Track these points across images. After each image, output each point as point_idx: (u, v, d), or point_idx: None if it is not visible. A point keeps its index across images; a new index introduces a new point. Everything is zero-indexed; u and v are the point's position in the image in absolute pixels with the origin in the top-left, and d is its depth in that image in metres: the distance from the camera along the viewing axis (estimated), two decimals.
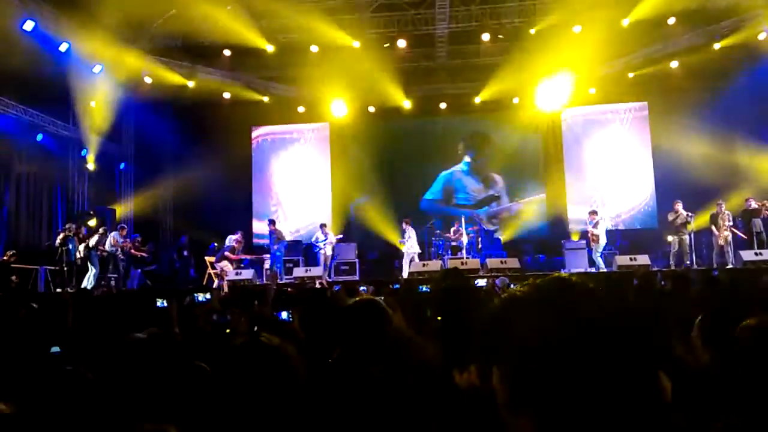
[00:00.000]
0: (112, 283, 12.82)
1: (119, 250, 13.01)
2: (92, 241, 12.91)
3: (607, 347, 0.74)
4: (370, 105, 17.55)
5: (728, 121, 14.30)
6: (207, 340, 3.70)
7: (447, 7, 14.33)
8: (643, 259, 12.45)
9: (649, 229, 16.19)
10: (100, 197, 15.76)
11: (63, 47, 13.29)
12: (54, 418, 1.92)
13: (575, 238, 15.05)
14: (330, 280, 13.00)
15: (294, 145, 18.50)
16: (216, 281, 13.01)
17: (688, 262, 12.50)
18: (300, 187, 18.05)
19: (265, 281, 13.03)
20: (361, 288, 9.34)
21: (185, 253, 15.33)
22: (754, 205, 12.65)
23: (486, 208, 17.29)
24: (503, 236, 16.34)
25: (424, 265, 13.00)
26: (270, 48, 15.40)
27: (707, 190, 13.71)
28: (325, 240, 14.23)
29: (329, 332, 2.75)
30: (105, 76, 14.83)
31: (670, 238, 13.20)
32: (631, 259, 12.49)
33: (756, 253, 11.95)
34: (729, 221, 12.61)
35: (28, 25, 12.17)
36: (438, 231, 15.01)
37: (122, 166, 16.61)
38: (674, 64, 15.21)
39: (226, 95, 16.82)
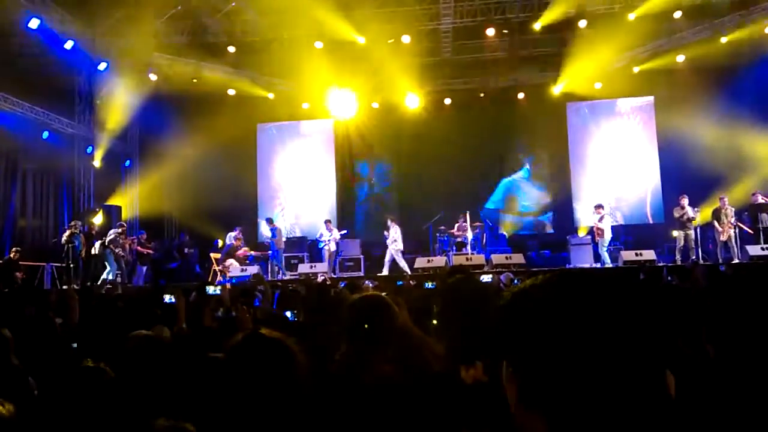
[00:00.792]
0: (118, 279, 12.88)
1: (119, 248, 13.05)
2: (107, 239, 13.03)
3: (616, 341, 0.74)
4: (374, 101, 17.55)
5: (734, 115, 14.22)
6: (214, 336, 3.71)
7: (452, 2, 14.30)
8: (649, 254, 12.42)
9: (654, 224, 16.14)
10: (106, 194, 15.82)
11: (68, 45, 13.32)
12: (70, 415, 1.93)
13: (582, 232, 14.98)
14: (335, 276, 13.01)
15: (299, 142, 18.50)
16: (219, 279, 13.04)
17: (693, 257, 12.45)
18: (305, 183, 18.06)
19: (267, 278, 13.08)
20: (366, 282, 9.36)
21: (186, 250, 15.37)
22: (760, 199, 12.59)
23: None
24: (508, 232, 16.32)
25: (429, 261, 13.00)
26: (275, 44, 15.39)
27: (713, 184, 13.65)
28: (329, 236, 14.25)
29: (334, 328, 2.75)
30: (110, 73, 14.87)
31: (675, 233, 13.14)
32: (636, 254, 12.46)
33: (762, 248, 11.90)
34: (732, 217, 12.56)
35: (34, 23, 12.21)
36: (443, 227, 15.00)
37: (128, 163, 16.66)
38: (680, 58, 15.12)
39: (231, 92, 16.83)
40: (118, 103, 15.78)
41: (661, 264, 11.98)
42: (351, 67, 16.05)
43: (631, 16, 14.28)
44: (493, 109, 17.25)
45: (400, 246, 13.79)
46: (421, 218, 15.38)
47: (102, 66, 14.56)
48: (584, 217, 15.88)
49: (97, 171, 15.52)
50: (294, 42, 15.35)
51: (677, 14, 14.15)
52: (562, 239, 14.83)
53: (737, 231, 12.58)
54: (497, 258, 12.82)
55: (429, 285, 7.29)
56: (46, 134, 13.87)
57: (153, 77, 15.71)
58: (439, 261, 12.91)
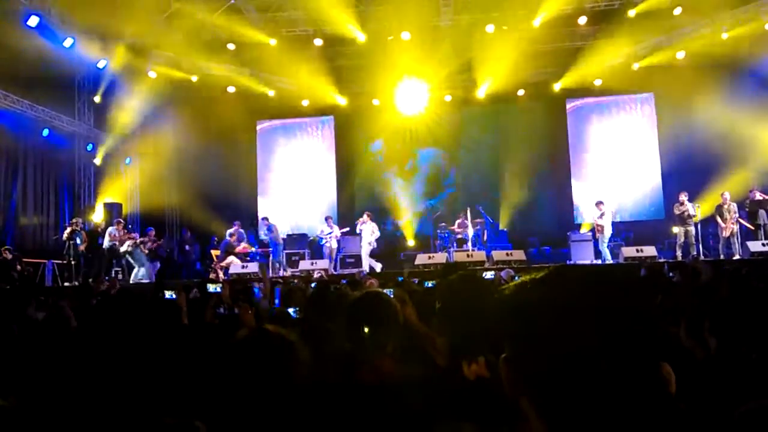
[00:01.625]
0: (120, 276, 12.89)
1: (118, 243, 13.05)
2: (139, 239, 13.32)
3: (613, 336, 0.75)
4: (374, 98, 17.55)
5: (735, 111, 14.20)
6: (215, 332, 3.73)
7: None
8: (650, 251, 12.43)
9: (655, 220, 16.14)
10: (106, 191, 15.82)
11: (68, 43, 13.30)
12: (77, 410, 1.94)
13: (586, 228, 14.96)
14: (336, 273, 13.02)
15: (299, 139, 18.51)
16: (213, 276, 13.01)
17: (694, 253, 12.46)
18: (305, 180, 18.07)
19: (270, 274, 13.09)
20: (362, 273, 9.37)
21: (187, 247, 15.39)
22: (758, 196, 12.59)
23: None
24: (509, 228, 16.33)
25: (429, 257, 13.01)
26: (273, 42, 15.39)
27: (714, 180, 13.64)
28: (330, 233, 14.26)
29: (336, 325, 2.75)
30: (110, 71, 14.86)
31: (676, 229, 13.15)
32: (637, 251, 12.47)
33: (763, 244, 11.91)
34: (735, 213, 12.56)
35: (33, 21, 12.19)
36: (443, 224, 15.02)
37: (128, 160, 16.65)
38: (681, 54, 15.10)
39: (231, 89, 16.81)
40: (118, 100, 15.78)
41: (662, 260, 11.99)
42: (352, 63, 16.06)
43: (632, 13, 14.26)
44: (492, 107, 17.28)
45: (369, 240, 13.82)
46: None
47: (102, 64, 14.54)
48: (585, 213, 15.90)
49: (97, 168, 15.53)
50: (294, 40, 15.36)
51: (677, 11, 14.12)
52: (562, 236, 14.83)
53: (739, 227, 12.59)
54: (498, 254, 12.83)
55: (429, 284, 7.25)
56: (46, 132, 13.87)
57: (153, 75, 15.70)
58: (440, 258, 12.92)
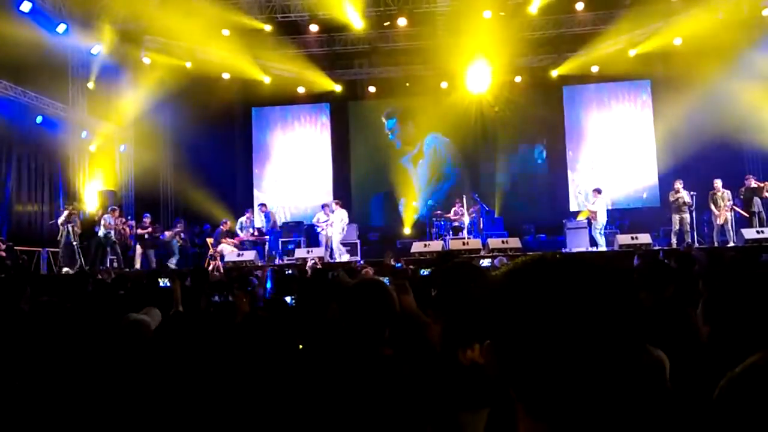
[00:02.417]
0: (115, 264, 12.87)
1: (113, 231, 13.02)
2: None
3: (586, 322, 0.74)
4: (371, 85, 17.52)
5: (732, 98, 14.19)
6: (210, 319, 3.73)
7: None
8: (645, 238, 12.45)
9: (651, 207, 16.18)
10: (101, 178, 15.75)
11: (61, 28, 13.18)
12: None
13: (583, 216, 14.96)
14: (331, 261, 13.03)
15: (294, 125, 18.44)
16: (211, 264, 13.01)
17: (689, 241, 12.51)
18: (301, 168, 18.04)
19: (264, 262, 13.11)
20: (359, 263, 9.39)
21: (183, 235, 15.35)
22: (753, 183, 12.62)
23: None
24: (504, 216, 16.35)
25: (425, 245, 13.01)
26: (268, 27, 15.28)
27: (710, 168, 13.66)
28: (326, 221, 14.23)
29: (333, 312, 2.76)
30: (103, 57, 14.74)
31: (671, 216, 13.19)
32: (632, 238, 12.49)
33: (757, 231, 11.96)
34: (729, 200, 12.59)
35: (26, 6, 12.07)
36: (439, 212, 15.02)
37: (122, 147, 16.57)
38: (678, 40, 15.05)
39: (226, 75, 16.71)
40: (112, 87, 15.67)
41: (656, 248, 12.03)
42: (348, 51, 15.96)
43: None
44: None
45: (336, 231, 13.79)
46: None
47: (95, 50, 14.42)
48: (580, 200, 15.91)
49: (92, 155, 15.44)
50: (289, 26, 15.27)
51: None
52: (558, 223, 14.86)
53: (733, 215, 12.62)
54: (494, 242, 12.84)
55: (425, 272, 7.26)
56: (40, 119, 13.77)
57: (147, 61, 15.58)
58: (435, 246, 12.92)
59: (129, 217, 14.57)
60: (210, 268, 12.16)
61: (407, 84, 17.08)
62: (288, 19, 15.28)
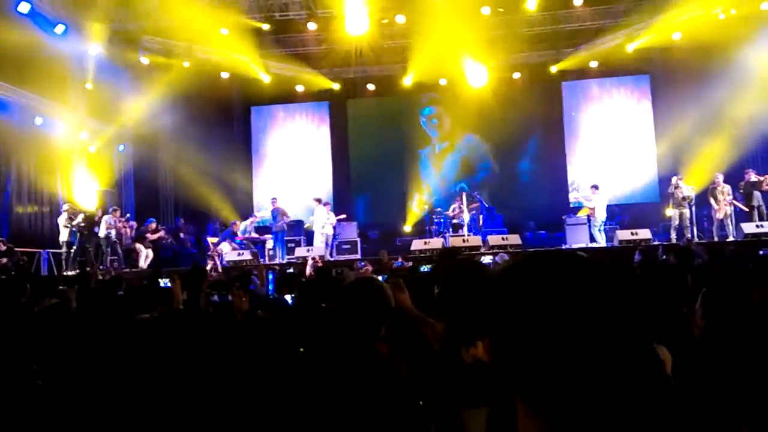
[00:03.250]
0: (115, 265, 12.87)
1: (113, 232, 13.02)
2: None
3: (585, 320, 0.74)
4: (370, 82, 17.51)
5: (731, 93, 14.18)
6: (210, 318, 3.73)
7: None
8: (645, 233, 12.46)
9: (650, 203, 16.18)
10: (101, 179, 15.73)
11: (59, 29, 13.17)
12: None
13: (584, 213, 14.96)
14: (332, 259, 13.03)
15: (294, 125, 18.43)
16: (210, 263, 12.99)
17: (689, 236, 12.51)
18: (301, 167, 18.03)
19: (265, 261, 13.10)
20: (360, 263, 9.40)
21: (182, 235, 15.35)
22: (753, 177, 12.61)
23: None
24: (504, 213, 16.35)
25: (425, 243, 13.02)
26: (266, 26, 15.25)
27: (710, 163, 13.66)
28: (326, 219, 14.22)
29: (333, 311, 2.76)
30: (102, 57, 14.73)
31: (670, 212, 13.19)
32: (632, 234, 12.50)
33: (757, 225, 11.96)
34: (729, 195, 12.59)
35: (24, 7, 12.05)
36: (438, 209, 15.02)
37: (121, 147, 16.56)
38: (676, 35, 15.03)
39: (225, 75, 16.69)
40: (111, 87, 15.64)
41: (656, 243, 12.03)
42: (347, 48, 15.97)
43: None
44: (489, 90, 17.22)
45: (329, 231, 13.76)
46: None
47: (93, 50, 14.41)
48: (577, 196, 15.93)
49: (91, 156, 15.43)
50: (287, 24, 15.25)
51: None
52: (558, 219, 14.86)
53: (733, 209, 12.62)
54: (494, 239, 12.85)
55: (425, 268, 7.28)
56: (39, 120, 13.76)
57: (145, 61, 15.57)
58: (435, 243, 12.93)
59: (129, 217, 14.55)
60: (208, 267, 12.16)
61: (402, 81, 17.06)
62: (286, 17, 15.25)
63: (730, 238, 12.12)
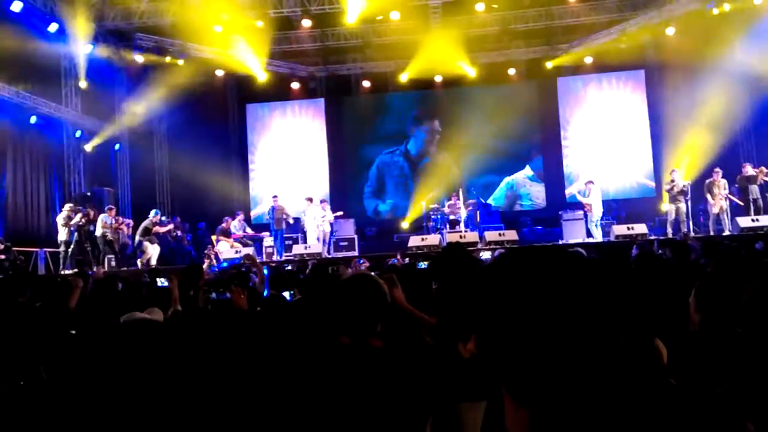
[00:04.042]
0: (113, 264, 12.85)
1: (110, 231, 12.99)
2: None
3: (566, 312, 0.75)
4: (365, 79, 17.50)
5: (725, 87, 14.21)
6: (208, 317, 3.74)
7: None
8: (641, 228, 12.49)
9: (646, 198, 16.23)
10: (97, 177, 15.71)
11: (52, 28, 13.12)
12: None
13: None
14: (329, 256, 13.04)
15: (289, 122, 18.40)
16: (205, 262, 12.96)
17: (685, 230, 12.54)
18: (297, 164, 18.01)
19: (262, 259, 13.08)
20: (359, 261, 9.40)
21: (179, 233, 15.33)
22: (750, 171, 12.65)
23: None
24: (501, 208, 16.37)
25: (422, 239, 13.03)
26: (260, 24, 15.22)
27: (705, 158, 13.70)
28: (323, 216, 14.21)
29: (330, 307, 2.77)
30: (95, 55, 14.70)
31: (666, 206, 13.22)
32: (628, 228, 12.53)
33: (753, 219, 12.00)
34: (725, 189, 12.63)
35: (16, 6, 12.02)
36: (435, 205, 15.03)
37: (117, 146, 16.53)
38: (670, 30, 15.07)
39: (219, 73, 16.67)
40: (106, 85, 15.61)
41: (652, 237, 12.06)
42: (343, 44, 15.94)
43: None
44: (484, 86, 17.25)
45: (323, 229, 13.76)
46: None
47: (87, 48, 14.37)
48: (576, 192, 15.91)
49: (86, 155, 15.40)
50: (281, 21, 15.22)
51: None
52: (554, 215, 14.89)
53: (728, 203, 12.66)
54: (490, 235, 12.86)
55: (422, 265, 7.28)
56: (34, 119, 13.72)
57: (139, 59, 15.53)
58: (432, 239, 12.95)
59: (126, 216, 14.54)
60: (204, 266, 12.15)
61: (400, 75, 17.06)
62: (280, 14, 15.23)
63: (726, 233, 12.16)
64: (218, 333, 2.70)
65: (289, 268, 9.88)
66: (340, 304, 2.13)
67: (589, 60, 16.43)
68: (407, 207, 17.15)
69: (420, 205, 15.36)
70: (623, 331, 0.78)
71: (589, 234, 13.29)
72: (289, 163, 18.05)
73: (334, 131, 18.17)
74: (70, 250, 12.64)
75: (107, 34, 15.18)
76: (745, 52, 14.19)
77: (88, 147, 15.34)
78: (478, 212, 14.54)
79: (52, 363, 2.63)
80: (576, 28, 15.90)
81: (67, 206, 13.10)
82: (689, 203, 12.84)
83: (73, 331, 3.71)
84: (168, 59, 15.93)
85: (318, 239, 13.90)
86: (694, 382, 1.49)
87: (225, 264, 12.34)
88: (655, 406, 1.09)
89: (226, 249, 13.52)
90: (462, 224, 13.97)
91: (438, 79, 17.19)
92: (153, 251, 13.05)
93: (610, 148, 16.81)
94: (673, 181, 12.84)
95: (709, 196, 12.68)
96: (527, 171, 17.51)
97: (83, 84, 14.71)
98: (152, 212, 13.56)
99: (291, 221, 14.13)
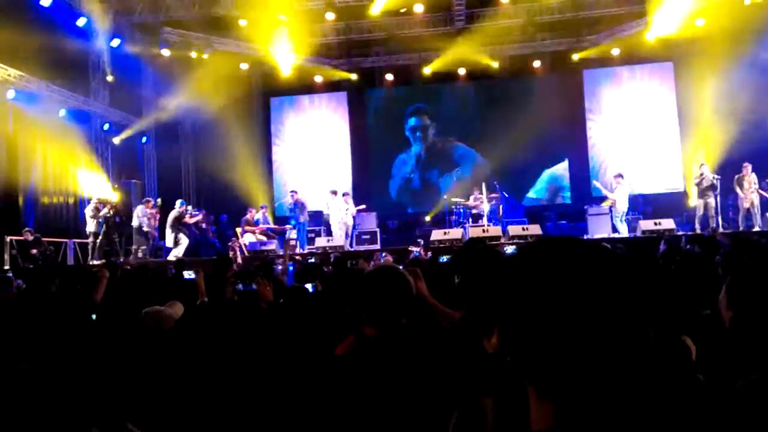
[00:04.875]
0: (139, 255, 13.06)
1: (146, 221, 13.20)
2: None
3: (591, 304, 0.74)
4: (389, 72, 17.47)
5: (757, 80, 13.88)
6: (235, 308, 3.78)
7: None
8: (668, 223, 12.28)
9: (674, 192, 15.95)
10: (124, 170, 15.97)
11: (81, 22, 13.33)
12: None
13: (608, 203, 14.77)
14: (351, 249, 13.08)
15: (313, 115, 18.46)
16: (231, 253, 13.08)
17: (714, 226, 12.31)
18: (320, 157, 18.07)
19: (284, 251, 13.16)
20: (380, 255, 9.43)
21: (203, 225, 15.50)
22: None
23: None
24: (525, 203, 16.24)
25: (445, 233, 12.99)
26: (284, 17, 15.27)
27: (735, 152, 13.41)
28: (346, 209, 14.25)
29: (353, 300, 2.78)
30: (123, 49, 14.90)
31: (694, 201, 12.99)
32: (655, 224, 12.32)
33: None
34: (755, 183, 12.36)
35: (46, 1, 12.23)
36: (457, 199, 14.95)
37: (144, 139, 16.76)
38: (700, 21, 14.73)
39: (244, 66, 16.77)
40: (133, 79, 15.82)
41: (680, 233, 11.86)
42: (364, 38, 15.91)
43: None
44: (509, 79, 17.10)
45: (346, 223, 13.72)
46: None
47: (115, 42, 14.57)
48: (601, 187, 15.72)
49: (115, 147, 15.66)
50: (306, 14, 15.24)
51: None
52: (579, 209, 14.71)
53: (759, 198, 12.40)
54: (514, 229, 12.76)
55: (444, 259, 7.24)
56: (63, 112, 13.98)
57: (166, 53, 15.70)
58: (455, 233, 12.90)
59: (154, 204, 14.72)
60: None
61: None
62: (305, 7, 15.26)
63: (756, 228, 11.91)
64: (243, 324, 2.72)
65: (312, 260, 9.93)
66: (367, 295, 2.14)
67: (616, 52, 16.17)
68: (430, 201, 17.06)
69: (443, 199, 15.25)
70: (651, 325, 0.77)
71: (614, 229, 13.11)
72: (312, 155, 18.12)
73: (357, 124, 18.19)
74: (98, 241, 12.86)
75: (134, 28, 15.37)
76: None
77: (116, 140, 15.58)
78: (501, 206, 14.44)
79: (72, 348, 2.69)
80: (603, 19, 15.64)
81: (95, 198, 13.32)
82: (718, 198, 12.59)
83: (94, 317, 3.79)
84: (194, 53, 16.08)
85: (340, 232, 13.96)
86: (725, 379, 1.46)
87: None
88: (682, 401, 1.08)
89: (251, 240, 13.63)
90: (485, 218, 13.90)
91: (462, 71, 17.07)
92: (184, 242, 13.18)
93: (636, 142, 16.54)
94: (701, 175, 12.59)
95: (739, 191, 12.41)
96: (565, 164, 17.34)
97: (110, 78, 14.94)
98: (178, 202, 13.62)
99: (307, 217, 14.26)
